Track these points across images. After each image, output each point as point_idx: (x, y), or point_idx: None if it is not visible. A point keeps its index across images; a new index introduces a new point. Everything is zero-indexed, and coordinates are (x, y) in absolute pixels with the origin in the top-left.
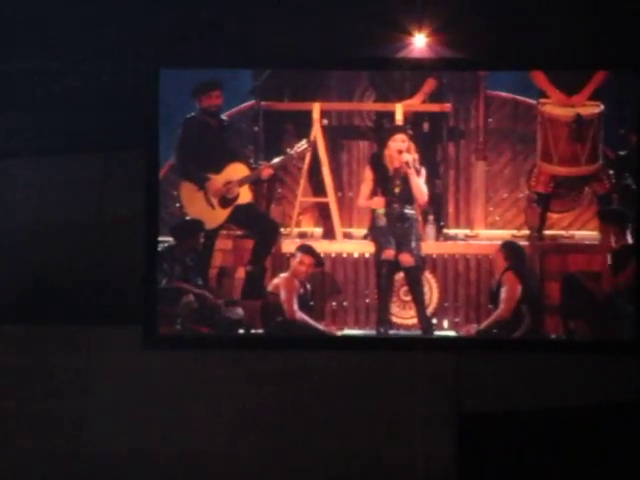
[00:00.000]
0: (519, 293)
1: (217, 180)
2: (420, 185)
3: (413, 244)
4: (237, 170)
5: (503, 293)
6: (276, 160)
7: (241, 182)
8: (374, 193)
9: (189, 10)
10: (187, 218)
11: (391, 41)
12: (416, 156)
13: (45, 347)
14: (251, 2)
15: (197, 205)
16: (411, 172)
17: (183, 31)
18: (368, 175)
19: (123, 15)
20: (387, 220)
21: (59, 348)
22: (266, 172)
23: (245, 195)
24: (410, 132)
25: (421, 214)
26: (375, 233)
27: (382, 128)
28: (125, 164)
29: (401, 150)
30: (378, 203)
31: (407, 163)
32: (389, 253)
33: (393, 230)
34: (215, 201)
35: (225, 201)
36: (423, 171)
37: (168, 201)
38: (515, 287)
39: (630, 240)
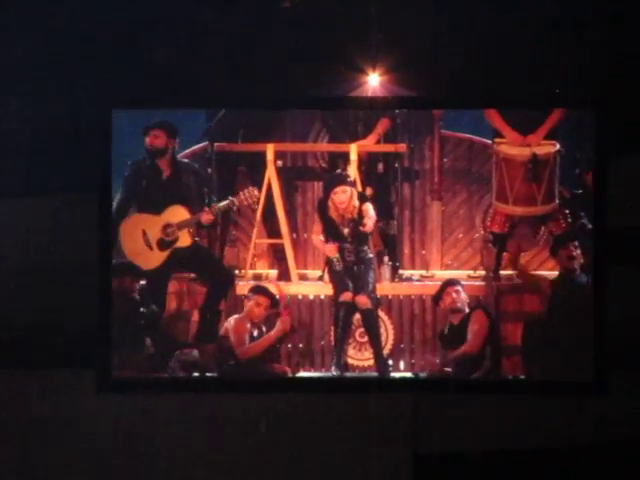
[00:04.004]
0: (487, 331)
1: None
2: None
3: (370, 286)
4: (177, 213)
5: (472, 330)
6: (217, 206)
7: (180, 225)
8: (326, 238)
9: (141, 51)
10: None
11: (345, 80)
12: (356, 204)
13: None
14: (203, 43)
15: (135, 244)
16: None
17: (136, 72)
18: (317, 219)
19: (75, 56)
20: (343, 264)
21: (12, 392)
22: (206, 218)
23: (184, 239)
24: (350, 180)
25: (376, 255)
26: (333, 277)
27: (326, 177)
28: (77, 206)
29: (342, 203)
30: (331, 251)
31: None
32: (347, 295)
33: (350, 273)
34: (154, 242)
35: (164, 243)
36: (367, 212)
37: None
38: (484, 325)
39: None
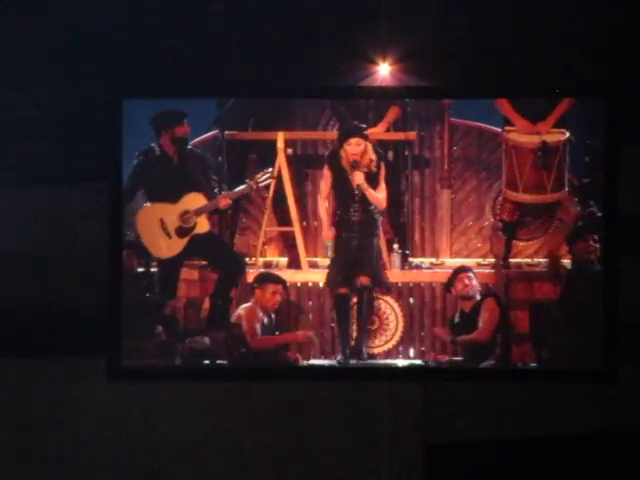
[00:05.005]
0: (498, 319)
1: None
2: (376, 196)
3: (373, 264)
4: (194, 200)
5: (482, 318)
6: (234, 190)
7: (198, 212)
8: (333, 195)
9: (152, 40)
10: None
11: (355, 70)
12: (373, 157)
13: (8, 380)
14: (214, 32)
15: (153, 233)
16: (365, 188)
17: (146, 61)
18: (326, 173)
19: (86, 45)
20: (346, 227)
21: (21, 381)
22: (224, 202)
23: (203, 225)
24: (365, 132)
25: (386, 242)
26: (331, 264)
27: (341, 129)
28: (88, 194)
29: (355, 155)
30: (327, 235)
31: (358, 186)
32: (343, 289)
33: (351, 251)
34: (172, 230)
35: (182, 231)
36: (382, 172)
37: (130, 232)
38: (495, 313)
39: None
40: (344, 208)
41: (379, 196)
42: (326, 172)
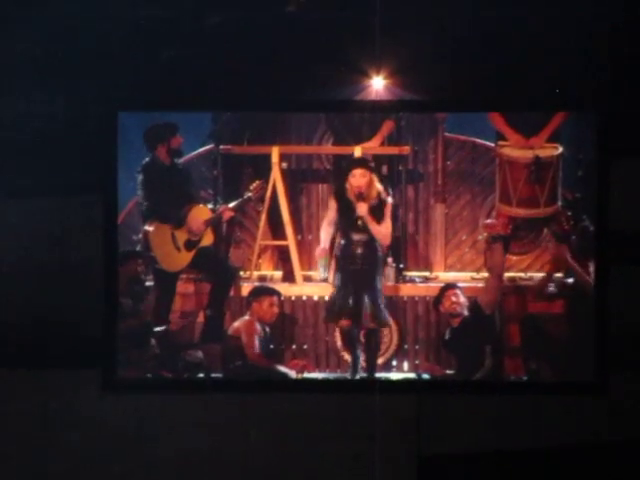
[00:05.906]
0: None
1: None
2: (380, 230)
3: (377, 299)
4: (200, 212)
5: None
6: (236, 202)
7: (205, 224)
8: (339, 225)
9: (148, 52)
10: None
11: (350, 84)
12: (379, 188)
13: (5, 391)
14: (210, 46)
15: (165, 248)
16: (369, 220)
17: (142, 74)
18: (332, 205)
19: (82, 58)
20: (350, 262)
21: (17, 392)
22: (227, 214)
23: (207, 237)
24: (371, 164)
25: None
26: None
27: (346, 160)
28: (84, 207)
29: (360, 187)
30: (319, 254)
31: (362, 217)
32: (345, 322)
33: (352, 282)
34: (181, 244)
35: (190, 244)
36: (389, 201)
37: (127, 244)
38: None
39: None
40: (347, 240)
41: (383, 231)
42: (332, 203)
